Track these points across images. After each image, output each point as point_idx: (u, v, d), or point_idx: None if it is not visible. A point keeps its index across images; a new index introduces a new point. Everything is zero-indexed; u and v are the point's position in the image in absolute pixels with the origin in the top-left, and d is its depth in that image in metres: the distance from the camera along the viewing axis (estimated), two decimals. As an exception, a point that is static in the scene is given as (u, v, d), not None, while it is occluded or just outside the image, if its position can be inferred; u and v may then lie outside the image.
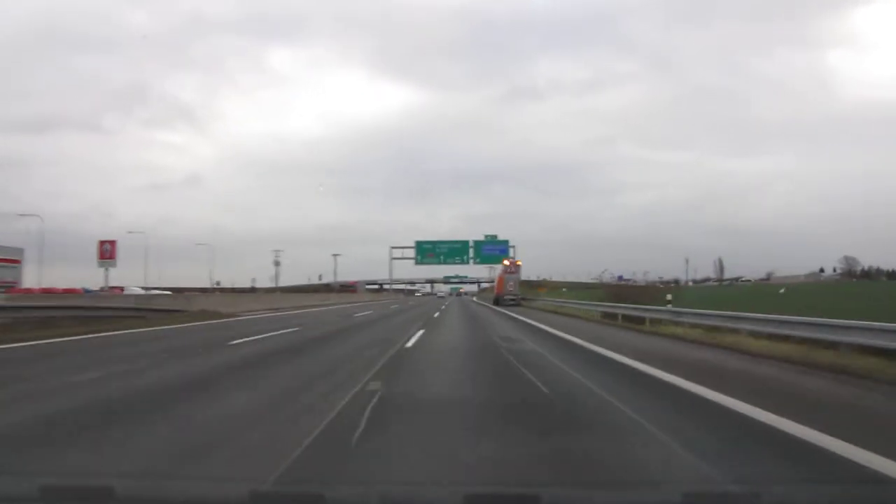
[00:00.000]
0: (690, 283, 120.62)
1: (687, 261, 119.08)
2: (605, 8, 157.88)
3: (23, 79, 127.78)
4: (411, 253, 63.36)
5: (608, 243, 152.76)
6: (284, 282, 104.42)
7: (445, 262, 63.49)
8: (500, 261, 61.67)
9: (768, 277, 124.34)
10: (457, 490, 2.72)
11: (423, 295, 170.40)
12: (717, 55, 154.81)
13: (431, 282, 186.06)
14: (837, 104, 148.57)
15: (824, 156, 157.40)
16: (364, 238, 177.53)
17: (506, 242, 64.95)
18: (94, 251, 39.58)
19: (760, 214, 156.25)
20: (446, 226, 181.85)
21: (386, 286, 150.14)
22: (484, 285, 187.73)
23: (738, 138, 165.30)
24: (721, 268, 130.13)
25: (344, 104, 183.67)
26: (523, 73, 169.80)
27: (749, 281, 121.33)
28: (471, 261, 63.26)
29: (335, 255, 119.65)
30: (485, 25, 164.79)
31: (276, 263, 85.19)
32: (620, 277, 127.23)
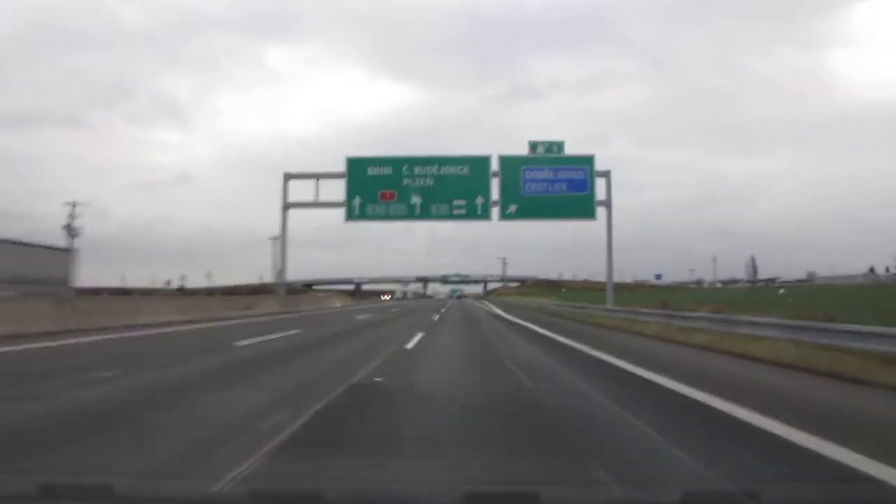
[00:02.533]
0: (718, 285, 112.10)
1: (714, 260, 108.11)
2: (605, 8, 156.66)
3: (10, 74, 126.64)
4: (341, 190, 27.62)
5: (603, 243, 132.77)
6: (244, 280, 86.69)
7: (430, 215, 28.00)
8: (572, 212, 27.79)
9: (810, 278, 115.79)
10: (457, 489, 2.77)
11: (413, 297, 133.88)
12: (717, 55, 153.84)
13: (424, 280, 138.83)
14: (836, 103, 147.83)
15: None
16: (358, 238, 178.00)
17: (588, 162, 26.75)
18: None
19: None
20: (441, 227, 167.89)
21: (329, 286, 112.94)
22: (493, 285, 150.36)
23: (744, 137, 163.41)
24: (754, 267, 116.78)
25: (342, 103, 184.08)
26: (522, 72, 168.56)
27: (787, 282, 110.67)
28: (494, 211, 26.88)
29: (273, 239, 75.63)
30: (484, 24, 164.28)
31: (70, 232, 42.59)
32: (658, 277, 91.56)
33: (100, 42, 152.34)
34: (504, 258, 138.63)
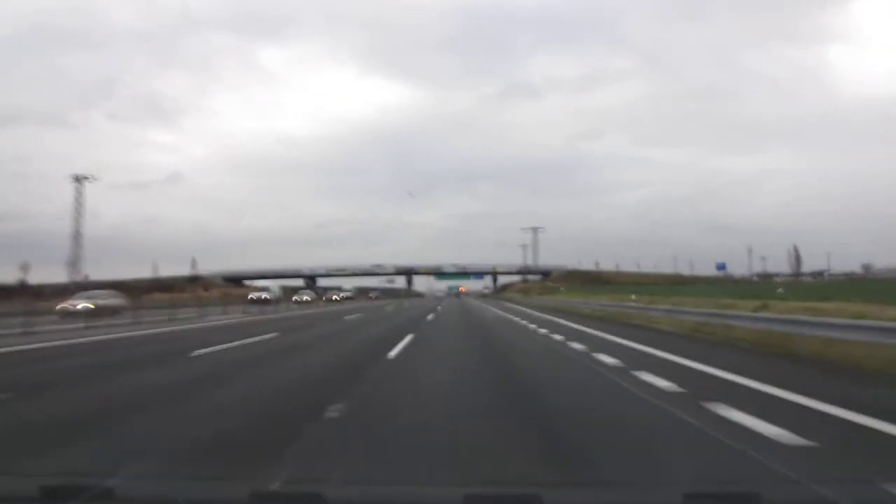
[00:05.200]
0: (755, 279, 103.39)
1: (750, 250, 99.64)
2: (602, 5, 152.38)
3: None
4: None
5: (610, 241, 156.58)
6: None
7: None
8: None
9: (865, 271, 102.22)
10: (457, 490, 2.76)
11: (377, 296, 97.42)
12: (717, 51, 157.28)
13: (408, 272, 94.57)
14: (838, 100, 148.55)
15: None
16: (356, 238, 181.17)
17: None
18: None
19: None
20: (440, 226, 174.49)
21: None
22: (505, 280, 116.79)
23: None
24: (797, 259, 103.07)
25: (335, 102, 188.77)
26: (518, 70, 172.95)
27: (835, 275, 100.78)
28: None
29: (76, 180, 34.48)
30: (480, 22, 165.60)
31: None
32: (722, 267, 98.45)
33: (91, 42, 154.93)
34: (536, 228, 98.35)
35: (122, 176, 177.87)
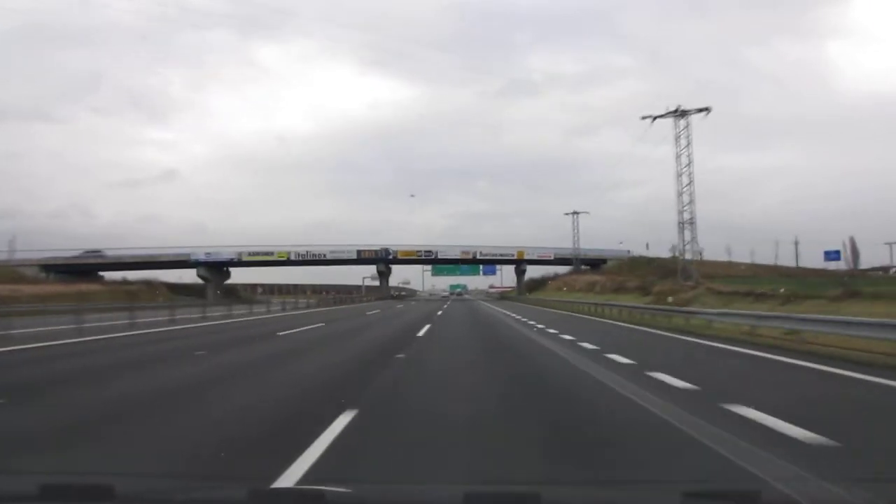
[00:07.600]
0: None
1: (797, 244, 78.31)
2: (601, 1, 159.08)
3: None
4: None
5: (612, 239, 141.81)
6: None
7: None
8: None
9: None
10: (457, 488, 2.80)
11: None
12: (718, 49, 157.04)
13: (382, 260, 38.51)
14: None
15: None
16: (355, 236, 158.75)
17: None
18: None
19: None
20: (440, 224, 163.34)
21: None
22: (535, 270, 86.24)
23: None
24: (854, 252, 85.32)
25: (333, 99, 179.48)
26: (516, 67, 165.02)
27: None
28: None
29: None
30: (477, 19, 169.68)
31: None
32: (835, 256, 69.48)
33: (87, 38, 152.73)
34: (677, 113, 64.52)
35: (117, 173, 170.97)
